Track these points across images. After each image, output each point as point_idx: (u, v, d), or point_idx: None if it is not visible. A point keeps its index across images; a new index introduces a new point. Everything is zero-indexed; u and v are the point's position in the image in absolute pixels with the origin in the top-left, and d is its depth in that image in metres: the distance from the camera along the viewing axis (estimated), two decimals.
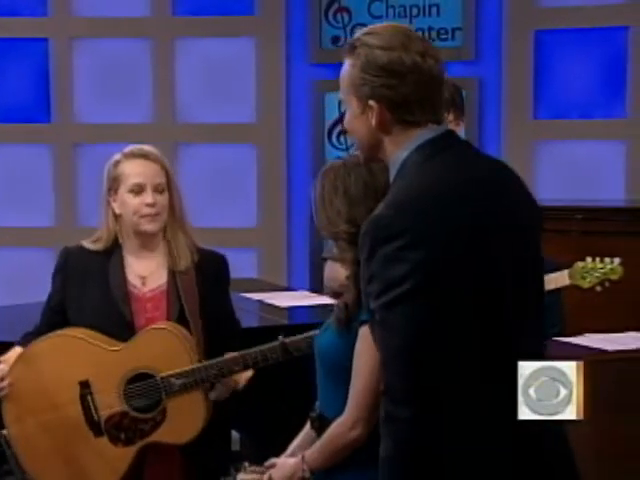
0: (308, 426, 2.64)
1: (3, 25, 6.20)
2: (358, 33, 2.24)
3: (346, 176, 2.50)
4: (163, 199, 3.25)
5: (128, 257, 3.28)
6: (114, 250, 3.28)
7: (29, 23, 6.22)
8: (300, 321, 3.92)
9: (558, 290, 3.63)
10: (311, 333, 3.07)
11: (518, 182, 2.28)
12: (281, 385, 3.70)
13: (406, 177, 2.15)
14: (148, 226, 3.24)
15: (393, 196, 2.13)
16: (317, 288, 5.46)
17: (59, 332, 3.22)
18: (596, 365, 3.22)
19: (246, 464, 2.85)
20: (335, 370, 2.48)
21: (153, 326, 3.19)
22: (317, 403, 2.63)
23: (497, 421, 2.10)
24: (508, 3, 5.94)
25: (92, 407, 3.17)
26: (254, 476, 2.80)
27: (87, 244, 3.31)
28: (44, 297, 3.39)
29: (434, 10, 5.99)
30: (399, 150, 2.18)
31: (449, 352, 2.05)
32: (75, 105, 6.24)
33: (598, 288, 3.64)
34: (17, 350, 3.28)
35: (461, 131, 3.59)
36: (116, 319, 3.21)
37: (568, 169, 5.91)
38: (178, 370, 3.13)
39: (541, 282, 2.27)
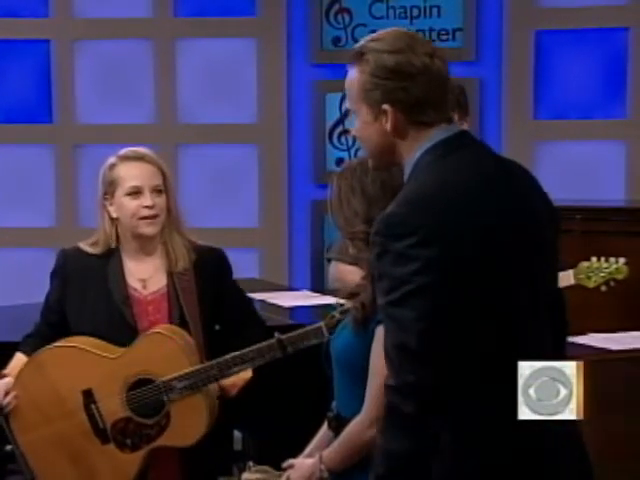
0: (325, 426, 2.65)
1: (5, 26, 6.19)
2: (362, 41, 2.24)
3: (363, 176, 2.50)
4: (161, 201, 3.24)
5: (127, 260, 3.28)
6: (112, 253, 3.27)
7: (31, 24, 6.21)
8: (303, 321, 3.92)
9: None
10: (307, 328, 3.09)
11: (536, 185, 2.28)
12: (283, 385, 3.71)
13: (419, 176, 2.16)
14: (147, 229, 3.23)
15: (405, 194, 2.14)
16: (319, 288, 5.46)
17: (60, 342, 3.22)
18: (600, 365, 3.23)
19: (250, 464, 2.87)
20: (352, 370, 2.49)
21: (150, 331, 3.19)
22: (334, 403, 2.63)
23: (504, 420, 2.11)
24: (509, 4, 5.94)
25: (97, 415, 3.17)
26: (258, 476, 2.81)
27: (84, 246, 3.30)
28: (45, 297, 3.39)
29: (435, 11, 5.99)
30: (413, 151, 2.19)
31: (456, 350, 2.05)
32: (77, 106, 6.24)
33: (603, 288, 3.65)
34: (19, 357, 3.28)
35: None
36: (118, 323, 3.21)
37: (568, 169, 5.92)
38: (179, 373, 3.13)
39: (556, 282, 2.28)
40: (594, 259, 3.66)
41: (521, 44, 5.93)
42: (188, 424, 3.15)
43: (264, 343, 3.16)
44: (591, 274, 3.66)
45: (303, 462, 2.62)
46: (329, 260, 3.90)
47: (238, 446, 4.41)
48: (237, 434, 4.30)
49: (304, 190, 6.16)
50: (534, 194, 2.26)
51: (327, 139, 6.11)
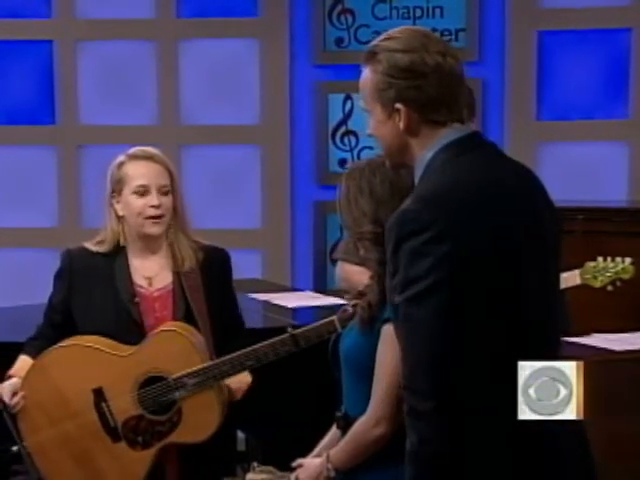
0: (335, 426, 2.66)
1: (7, 27, 6.19)
2: (375, 40, 2.25)
3: (371, 176, 2.50)
4: (167, 201, 3.25)
5: (132, 259, 3.29)
6: (119, 252, 3.28)
7: (33, 25, 6.21)
8: (307, 321, 3.92)
9: (563, 290, 3.65)
10: (320, 322, 3.10)
11: (540, 186, 2.29)
12: (286, 385, 3.71)
13: (432, 175, 2.17)
14: (152, 229, 3.24)
15: (419, 192, 2.15)
16: (321, 289, 5.46)
17: (68, 342, 3.22)
18: (603, 365, 3.23)
19: (255, 464, 2.87)
20: (359, 369, 2.50)
21: (162, 328, 3.19)
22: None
23: (506, 420, 2.10)
24: (511, 4, 5.94)
25: (108, 413, 3.18)
26: (263, 476, 2.82)
27: (90, 246, 3.31)
28: (48, 298, 3.39)
29: (437, 11, 5.99)
30: (426, 150, 2.19)
31: (470, 349, 2.06)
32: (79, 107, 6.24)
33: (609, 287, 3.66)
34: (24, 359, 3.28)
35: None
36: (125, 320, 3.22)
37: (571, 170, 5.92)
38: (190, 369, 3.13)
39: (558, 284, 2.29)
40: (600, 259, 3.66)
41: (524, 45, 5.93)
42: (200, 420, 3.15)
43: (277, 338, 3.17)
44: (597, 274, 3.66)
45: (311, 461, 2.63)
46: (335, 261, 3.90)
47: (241, 447, 4.42)
48: (240, 435, 4.31)
49: (307, 191, 6.16)
50: (541, 196, 2.28)
51: (330, 140, 6.11)
